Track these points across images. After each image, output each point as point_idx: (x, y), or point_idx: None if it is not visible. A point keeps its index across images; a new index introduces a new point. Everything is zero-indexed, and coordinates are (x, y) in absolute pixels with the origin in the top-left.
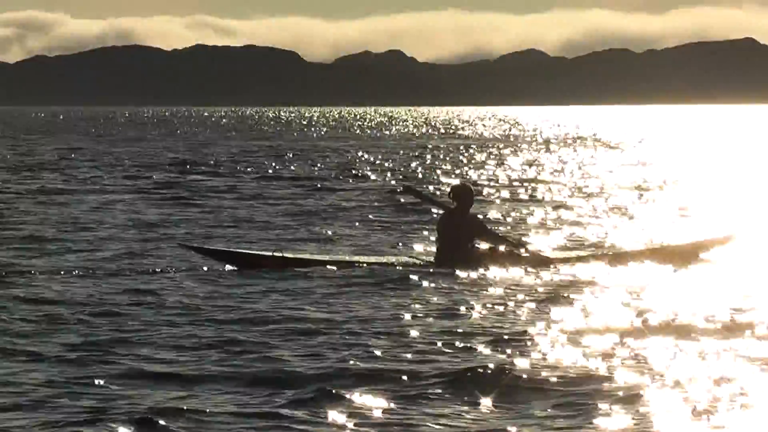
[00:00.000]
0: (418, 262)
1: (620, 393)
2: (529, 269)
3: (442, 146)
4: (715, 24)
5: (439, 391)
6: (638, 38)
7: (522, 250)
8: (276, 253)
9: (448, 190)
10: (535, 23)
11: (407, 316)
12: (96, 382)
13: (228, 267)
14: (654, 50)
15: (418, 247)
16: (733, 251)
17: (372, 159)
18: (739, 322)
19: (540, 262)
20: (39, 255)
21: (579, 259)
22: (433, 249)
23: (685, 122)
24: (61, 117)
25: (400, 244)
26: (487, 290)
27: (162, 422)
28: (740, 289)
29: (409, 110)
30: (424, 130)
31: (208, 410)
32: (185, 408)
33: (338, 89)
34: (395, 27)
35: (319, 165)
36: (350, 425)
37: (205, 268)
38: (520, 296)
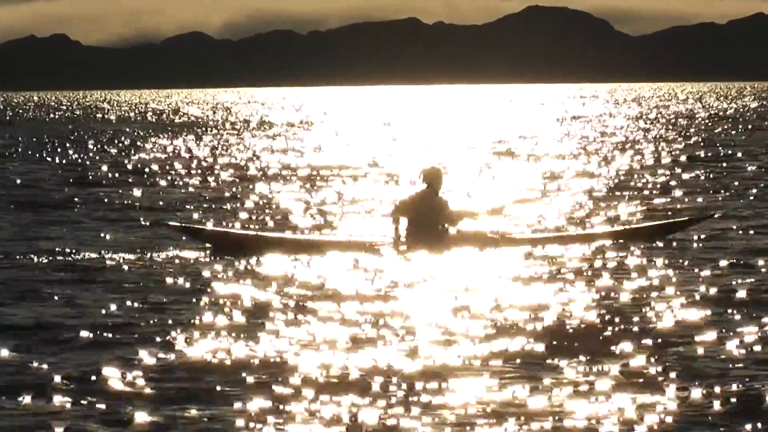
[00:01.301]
0: (387, 242)
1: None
2: (497, 249)
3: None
4: (378, 4)
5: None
6: (302, 19)
7: (490, 232)
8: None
9: (419, 173)
10: (198, 6)
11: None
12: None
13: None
14: (318, 31)
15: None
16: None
17: None
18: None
19: (508, 242)
20: None
21: (546, 240)
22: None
23: (356, 103)
24: None
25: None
26: (458, 272)
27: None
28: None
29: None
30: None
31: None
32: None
33: (1, 75)
34: (60, 11)
35: None
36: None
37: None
38: (493, 278)
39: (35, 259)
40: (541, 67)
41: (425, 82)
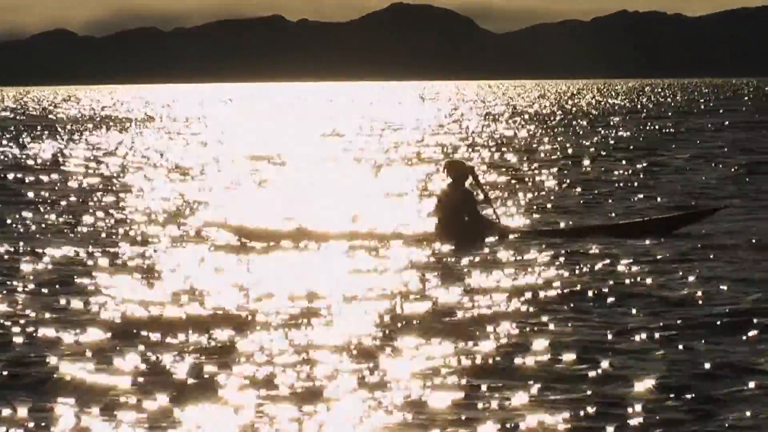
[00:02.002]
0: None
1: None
2: (513, 240)
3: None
4: (242, 1)
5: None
6: (166, 16)
7: (509, 225)
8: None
9: (443, 167)
10: (61, 2)
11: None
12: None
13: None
14: (182, 28)
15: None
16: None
17: None
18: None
19: (533, 236)
20: None
21: (564, 232)
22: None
23: (223, 101)
24: None
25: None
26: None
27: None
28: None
29: None
30: None
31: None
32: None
33: None
34: None
35: None
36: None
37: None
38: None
39: None
40: (406, 64)
41: (290, 80)
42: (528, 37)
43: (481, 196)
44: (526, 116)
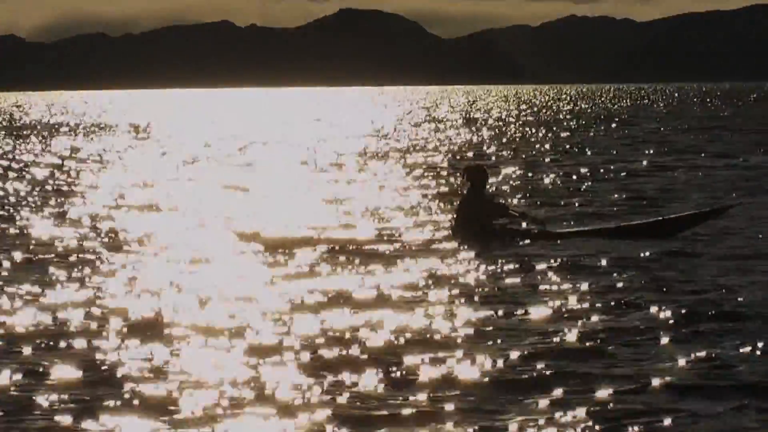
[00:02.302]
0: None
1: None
2: (543, 244)
3: None
4: (191, 7)
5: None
6: (114, 22)
7: (534, 227)
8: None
9: (462, 172)
10: (10, 7)
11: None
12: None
13: None
14: (131, 34)
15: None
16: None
17: None
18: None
19: (551, 237)
20: None
21: (585, 233)
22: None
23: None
24: None
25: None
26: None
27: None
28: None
29: None
30: None
31: None
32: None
33: None
34: None
35: None
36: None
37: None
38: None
39: None
40: (355, 70)
41: (240, 85)
42: (476, 42)
43: (502, 201)
44: (461, 121)
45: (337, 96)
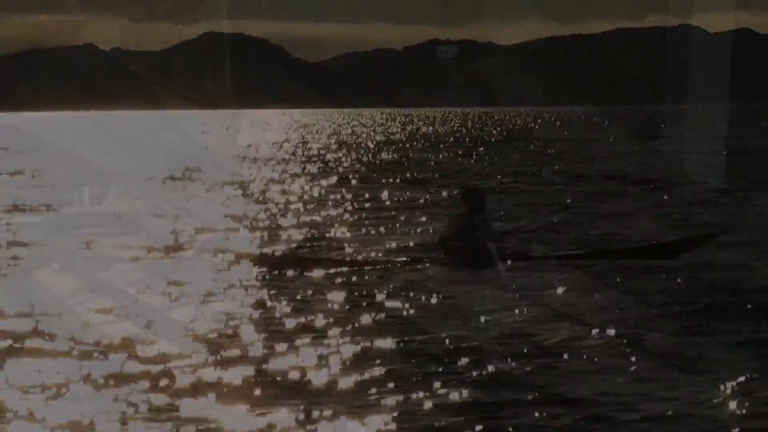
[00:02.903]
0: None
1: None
2: (534, 267)
3: None
4: (53, 31)
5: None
6: None
7: (531, 251)
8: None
9: (458, 194)
10: None
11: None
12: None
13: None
14: None
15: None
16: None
17: None
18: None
19: (545, 260)
20: None
21: (577, 257)
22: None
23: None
24: None
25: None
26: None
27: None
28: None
29: None
30: None
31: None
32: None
33: None
34: None
35: None
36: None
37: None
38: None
39: None
40: (220, 93)
41: (106, 108)
42: (339, 65)
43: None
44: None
45: (202, 118)
